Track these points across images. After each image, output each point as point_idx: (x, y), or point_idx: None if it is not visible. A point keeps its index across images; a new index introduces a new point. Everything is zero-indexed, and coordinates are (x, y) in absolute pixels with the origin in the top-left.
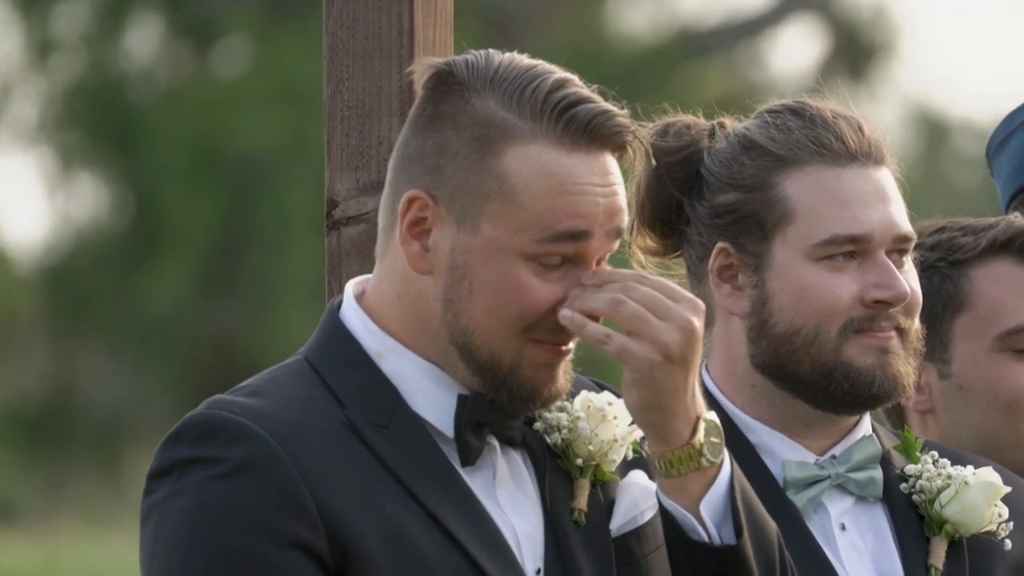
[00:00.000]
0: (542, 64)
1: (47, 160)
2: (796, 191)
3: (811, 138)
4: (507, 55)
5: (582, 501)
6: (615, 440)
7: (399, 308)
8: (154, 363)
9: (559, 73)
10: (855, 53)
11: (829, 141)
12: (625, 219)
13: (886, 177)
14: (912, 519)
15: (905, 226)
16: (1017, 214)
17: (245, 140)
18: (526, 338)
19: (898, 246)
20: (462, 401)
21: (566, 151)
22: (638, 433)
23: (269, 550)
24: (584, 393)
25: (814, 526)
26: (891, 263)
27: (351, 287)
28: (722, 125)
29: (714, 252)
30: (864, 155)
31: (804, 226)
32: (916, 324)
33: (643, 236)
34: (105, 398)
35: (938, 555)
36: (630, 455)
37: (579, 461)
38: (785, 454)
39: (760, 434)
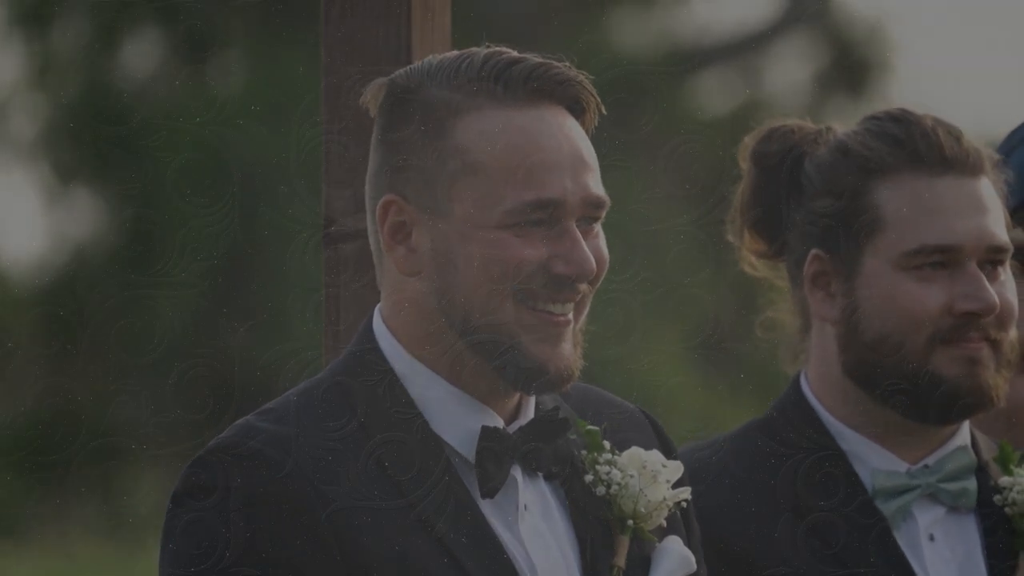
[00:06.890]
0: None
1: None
2: (887, 199)
3: (907, 146)
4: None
5: (622, 559)
6: (663, 501)
7: (407, 324)
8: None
9: (493, 48)
10: (851, 70)
11: (925, 150)
12: (597, 176)
13: (984, 187)
14: (1004, 532)
15: (1000, 236)
16: (1017, 230)
17: (245, 156)
18: (518, 302)
19: (991, 256)
20: (485, 433)
21: (515, 109)
22: (684, 494)
23: None
24: (634, 449)
25: (901, 536)
26: (981, 274)
27: (378, 309)
28: (829, 130)
29: (808, 258)
30: (960, 164)
31: (894, 235)
32: (1011, 335)
33: (751, 238)
34: (104, 415)
35: None
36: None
37: (628, 521)
38: (876, 463)
39: (852, 442)
